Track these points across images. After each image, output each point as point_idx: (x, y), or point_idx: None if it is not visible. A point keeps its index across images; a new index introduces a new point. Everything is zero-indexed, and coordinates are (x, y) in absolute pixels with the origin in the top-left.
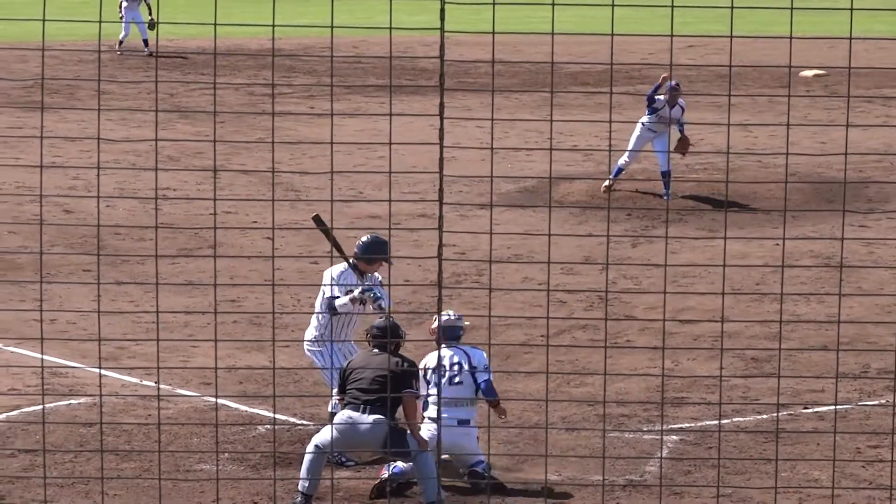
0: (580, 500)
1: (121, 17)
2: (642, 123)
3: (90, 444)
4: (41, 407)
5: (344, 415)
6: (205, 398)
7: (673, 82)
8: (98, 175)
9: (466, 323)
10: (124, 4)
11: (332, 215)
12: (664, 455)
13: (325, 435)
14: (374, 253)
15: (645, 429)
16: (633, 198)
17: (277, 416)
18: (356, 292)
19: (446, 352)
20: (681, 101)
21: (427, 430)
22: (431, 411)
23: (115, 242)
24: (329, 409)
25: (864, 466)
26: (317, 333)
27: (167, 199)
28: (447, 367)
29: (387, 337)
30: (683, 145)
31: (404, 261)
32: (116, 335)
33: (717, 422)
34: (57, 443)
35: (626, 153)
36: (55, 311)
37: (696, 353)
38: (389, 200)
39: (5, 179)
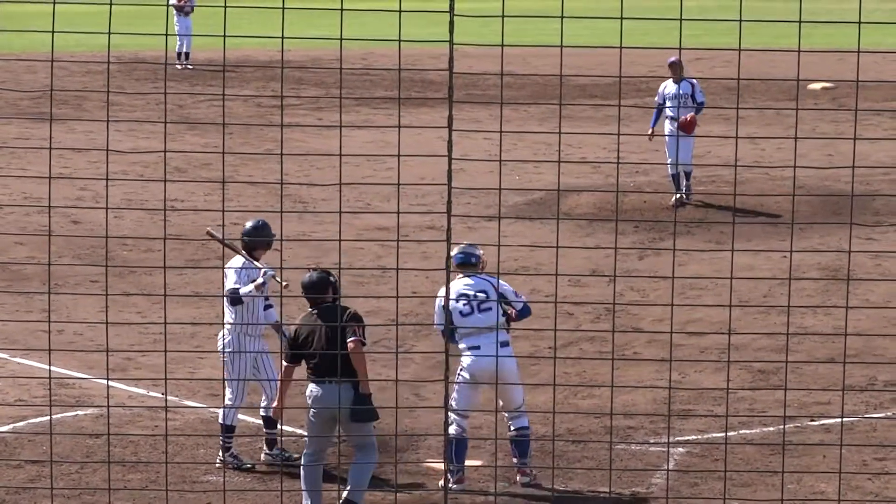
0: None
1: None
2: (668, 127)
3: (97, 455)
4: (48, 418)
5: (310, 391)
6: (212, 409)
7: (672, 58)
8: (106, 186)
9: (481, 252)
10: (175, 16)
11: (340, 226)
12: (671, 467)
13: (309, 439)
14: (256, 237)
15: (652, 441)
16: (641, 210)
17: (285, 427)
18: (258, 279)
19: (468, 281)
20: (693, 82)
21: (466, 360)
22: (471, 340)
23: (123, 253)
24: (261, 412)
25: (870, 479)
26: (229, 337)
27: (175, 211)
28: (473, 296)
29: (314, 290)
30: (688, 124)
31: (412, 272)
32: (124, 346)
33: (723, 434)
34: (63, 454)
35: (669, 163)
36: (62, 322)
37: (703, 365)
38: (398, 212)
39: (13, 190)
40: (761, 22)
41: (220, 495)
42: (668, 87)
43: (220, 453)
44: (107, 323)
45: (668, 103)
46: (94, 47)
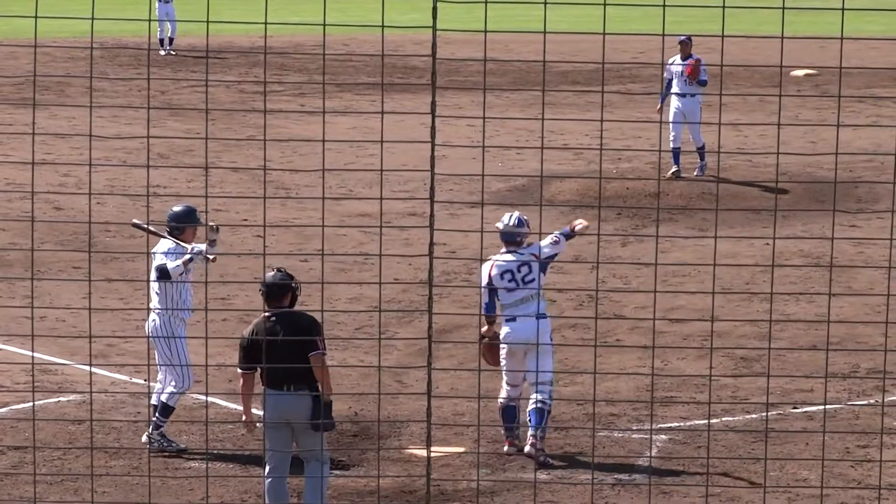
0: (569, 500)
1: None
2: (674, 102)
3: (79, 442)
4: (30, 404)
5: (268, 401)
6: (194, 396)
7: (683, 37)
8: (89, 172)
9: (526, 227)
10: (157, 2)
11: (323, 213)
12: (653, 454)
13: (270, 453)
14: (186, 221)
15: (634, 428)
16: (624, 197)
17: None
18: (186, 255)
19: (509, 257)
20: (699, 58)
21: (504, 330)
22: (509, 311)
23: (106, 239)
24: (162, 398)
25: (852, 466)
26: (158, 321)
27: (158, 197)
28: (515, 271)
29: (274, 292)
30: (692, 69)
31: (394, 259)
32: (106, 332)
33: (706, 421)
34: (46, 440)
35: (671, 133)
36: (45, 308)
37: (686, 352)
38: (381, 198)
39: None
40: (744, 9)
41: (203, 481)
42: (675, 63)
43: (150, 430)
44: (90, 309)
45: (675, 80)
46: (77, 33)
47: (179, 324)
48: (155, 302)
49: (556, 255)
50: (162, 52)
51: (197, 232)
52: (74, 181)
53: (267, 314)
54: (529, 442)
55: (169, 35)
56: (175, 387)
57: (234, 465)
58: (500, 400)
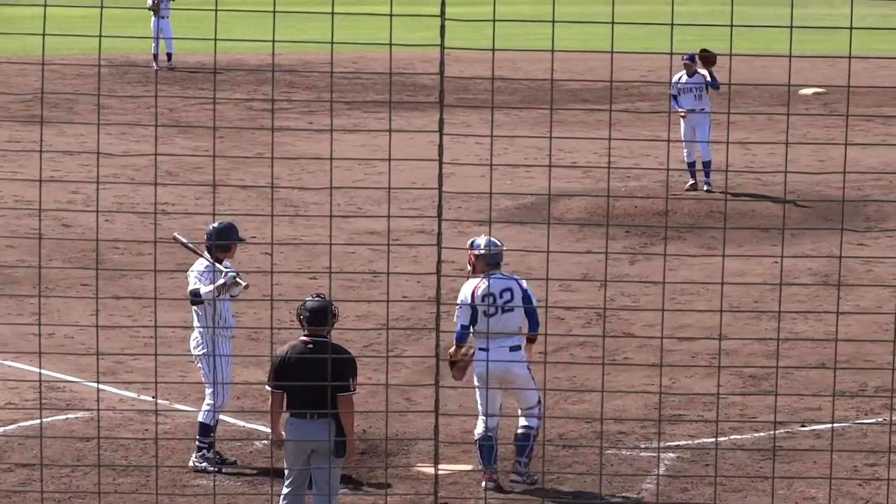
0: None
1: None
2: (682, 115)
3: (87, 459)
4: (38, 421)
5: (291, 427)
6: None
7: (686, 56)
8: (97, 189)
9: (504, 247)
10: (153, 18)
11: (331, 230)
12: (661, 472)
13: (288, 472)
14: (226, 238)
15: (642, 446)
16: (632, 215)
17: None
18: (219, 281)
19: (492, 282)
20: (705, 73)
21: (477, 362)
22: (482, 342)
23: (114, 257)
24: (210, 421)
25: (860, 485)
26: (199, 339)
27: (166, 214)
28: (497, 296)
29: (318, 318)
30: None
31: (402, 277)
32: (114, 350)
33: (714, 439)
34: (54, 457)
35: (684, 149)
36: (53, 325)
37: (694, 370)
38: (388, 216)
39: (4, 193)
40: (752, 27)
41: (211, 499)
42: (683, 78)
43: (193, 455)
44: (97, 326)
45: (682, 96)
46: (86, 50)
47: (222, 340)
48: (195, 320)
49: (535, 310)
50: (154, 67)
51: (231, 249)
52: (83, 198)
53: (304, 339)
54: (515, 469)
55: (167, 51)
56: (210, 403)
57: (241, 483)
58: (476, 433)
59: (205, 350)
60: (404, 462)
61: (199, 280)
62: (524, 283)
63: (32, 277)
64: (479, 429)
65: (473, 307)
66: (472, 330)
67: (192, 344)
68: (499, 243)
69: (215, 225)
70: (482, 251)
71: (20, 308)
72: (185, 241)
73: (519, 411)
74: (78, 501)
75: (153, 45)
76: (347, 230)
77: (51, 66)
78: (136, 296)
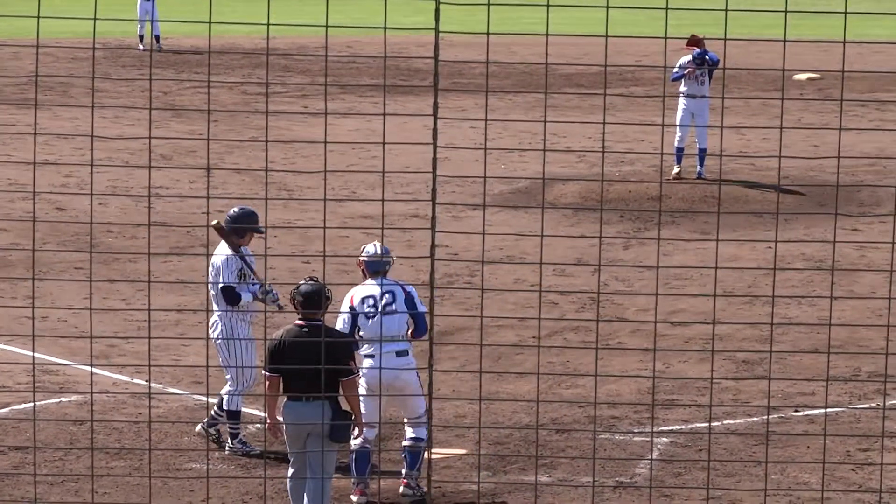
0: (570, 502)
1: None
2: (681, 94)
3: (80, 442)
4: (32, 404)
5: (288, 410)
6: (195, 397)
7: (691, 57)
8: (91, 172)
9: (392, 257)
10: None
11: (325, 214)
12: (654, 457)
13: (292, 456)
14: (244, 223)
15: (635, 430)
16: (626, 200)
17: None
18: (258, 292)
19: (374, 285)
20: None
21: (364, 368)
22: (367, 348)
23: (108, 240)
24: (235, 406)
25: (853, 469)
26: (221, 325)
27: (160, 198)
28: (378, 298)
29: (312, 302)
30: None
31: (397, 261)
32: (108, 333)
33: (707, 424)
34: (47, 440)
35: (677, 134)
36: (46, 308)
37: (688, 355)
38: (382, 200)
39: None
40: (747, 12)
41: (204, 482)
42: (684, 58)
43: (229, 440)
44: (91, 309)
45: (685, 81)
46: (80, 34)
47: (242, 325)
48: (214, 304)
49: (422, 315)
50: (140, 48)
51: (245, 235)
52: (77, 182)
53: (299, 323)
54: (403, 482)
55: (154, 33)
56: (231, 387)
57: (234, 467)
58: (354, 443)
59: (224, 335)
60: (398, 446)
61: (228, 272)
62: (410, 288)
63: (26, 261)
64: (358, 439)
65: (353, 313)
66: (358, 335)
67: (212, 329)
68: (389, 250)
69: (235, 210)
70: (363, 257)
71: (14, 291)
72: (223, 226)
73: (406, 422)
74: (71, 485)
75: (139, 26)
76: (341, 214)
77: (45, 48)
78: (130, 279)
